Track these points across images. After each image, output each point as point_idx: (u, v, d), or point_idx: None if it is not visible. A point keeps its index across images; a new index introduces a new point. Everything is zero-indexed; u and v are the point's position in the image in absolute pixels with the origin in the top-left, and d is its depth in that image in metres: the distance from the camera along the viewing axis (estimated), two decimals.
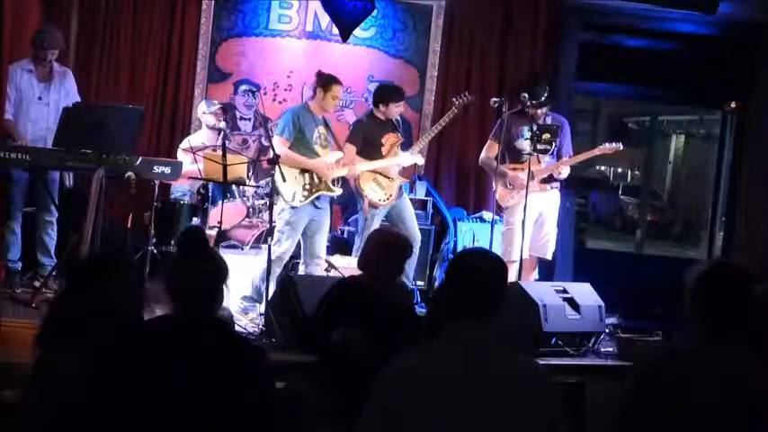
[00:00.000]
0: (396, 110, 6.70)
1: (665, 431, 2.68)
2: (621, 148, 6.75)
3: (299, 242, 6.33)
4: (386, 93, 6.74)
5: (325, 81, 6.30)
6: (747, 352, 2.77)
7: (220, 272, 2.78)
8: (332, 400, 3.83)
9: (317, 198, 6.27)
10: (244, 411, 2.65)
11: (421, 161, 7.10)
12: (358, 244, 6.70)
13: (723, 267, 2.82)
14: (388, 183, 6.66)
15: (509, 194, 6.62)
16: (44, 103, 6.18)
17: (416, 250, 6.76)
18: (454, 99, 6.88)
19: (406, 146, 6.94)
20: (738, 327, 2.74)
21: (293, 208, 6.18)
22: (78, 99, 6.34)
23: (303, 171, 6.23)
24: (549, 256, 6.81)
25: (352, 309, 4.12)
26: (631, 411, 2.72)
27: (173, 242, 6.33)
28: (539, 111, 6.59)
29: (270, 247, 5.68)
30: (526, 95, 6.55)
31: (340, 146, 6.51)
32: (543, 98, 6.57)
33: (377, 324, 4.01)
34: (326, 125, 6.42)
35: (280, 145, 6.14)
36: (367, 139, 6.63)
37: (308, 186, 6.23)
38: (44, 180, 5.99)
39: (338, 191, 6.38)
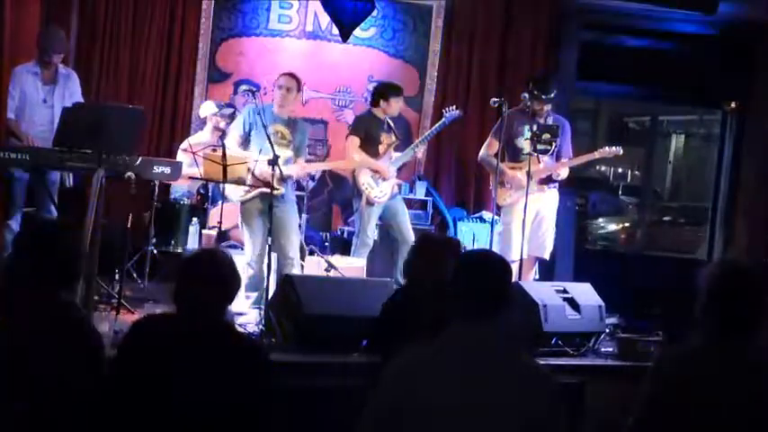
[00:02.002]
0: (396, 105, 6.71)
1: (684, 429, 2.71)
2: (621, 152, 6.74)
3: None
4: (386, 89, 6.76)
5: None
6: (760, 350, 2.80)
7: (235, 283, 2.81)
8: None
9: (262, 197, 5.88)
10: (244, 409, 2.65)
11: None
12: (356, 244, 6.71)
13: (737, 268, 2.86)
14: (384, 182, 6.66)
15: (507, 193, 6.62)
16: (48, 105, 6.18)
17: None
18: (444, 111, 6.87)
19: (402, 147, 6.94)
20: (750, 325, 2.78)
21: (241, 204, 6.01)
22: (82, 101, 6.34)
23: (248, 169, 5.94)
24: (547, 256, 6.80)
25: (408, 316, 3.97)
26: (651, 411, 2.75)
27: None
28: (544, 108, 6.57)
29: (270, 246, 5.67)
30: (527, 95, 6.55)
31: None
32: (552, 94, 6.55)
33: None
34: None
35: (230, 140, 6.04)
36: (368, 135, 6.63)
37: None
38: (44, 180, 5.98)
39: (280, 190, 5.85)
